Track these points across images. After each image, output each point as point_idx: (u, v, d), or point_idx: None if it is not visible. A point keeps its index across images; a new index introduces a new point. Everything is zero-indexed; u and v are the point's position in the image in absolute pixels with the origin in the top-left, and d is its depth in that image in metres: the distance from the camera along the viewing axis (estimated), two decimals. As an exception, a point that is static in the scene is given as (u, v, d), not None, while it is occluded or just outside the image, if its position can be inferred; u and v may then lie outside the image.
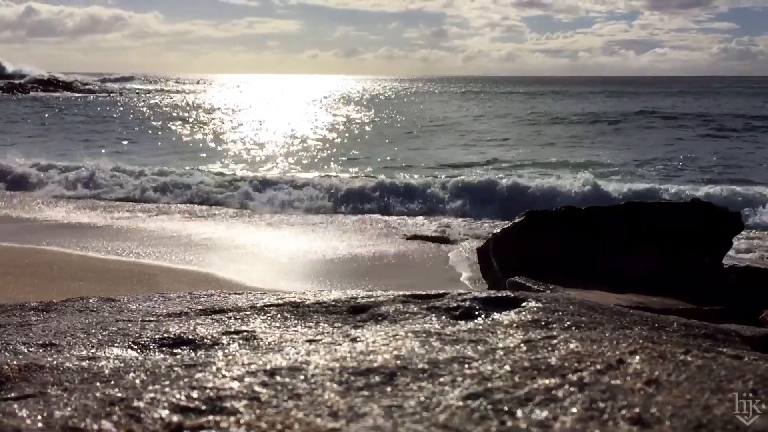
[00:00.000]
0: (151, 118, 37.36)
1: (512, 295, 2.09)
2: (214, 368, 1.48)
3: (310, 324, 1.94)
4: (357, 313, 2.04)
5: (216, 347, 1.73)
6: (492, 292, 2.18)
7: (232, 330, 1.87)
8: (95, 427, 1.19)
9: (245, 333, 1.84)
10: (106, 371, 1.52)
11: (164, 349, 1.75)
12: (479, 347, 1.57)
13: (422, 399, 1.27)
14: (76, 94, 64.26)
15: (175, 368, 1.50)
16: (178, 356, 1.67)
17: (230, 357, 1.59)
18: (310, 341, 1.72)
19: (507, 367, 1.41)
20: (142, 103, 52.66)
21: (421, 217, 12.63)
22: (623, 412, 1.16)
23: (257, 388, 1.34)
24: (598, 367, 1.38)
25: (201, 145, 26.35)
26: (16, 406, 1.31)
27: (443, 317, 1.95)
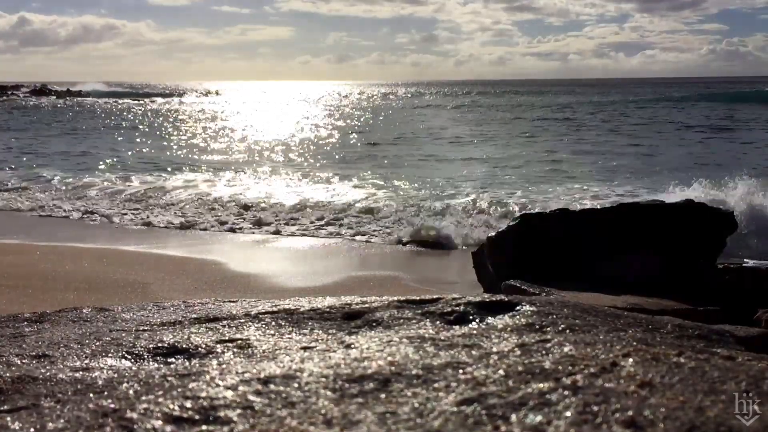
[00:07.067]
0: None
1: (506, 299, 2.09)
2: (207, 377, 1.47)
3: (305, 331, 1.94)
4: (351, 319, 2.04)
5: (210, 356, 1.73)
6: (486, 296, 2.18)
7: (227, 338, 1.87)
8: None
9: (239, 341, 1.83)
10: (100, 382, 1.52)
11: (158, 358, 1.74)
12: (473, 352, 1.57)
13: (416, 405, 1.27)
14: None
15: (169, 378, 1.50)
16: (172, 366, 1.66)
17: (224, 366, 1.58)
18: (305, 348, 1.72)
19: (501, 372, 1.41)
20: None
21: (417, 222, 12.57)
22: (617, 415, 1.16)
23: (251, 397, 1.34)
24: (592, 370, 1.38)
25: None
26: (9, 418, 1.30)
27: (437, 322, 1.95)
